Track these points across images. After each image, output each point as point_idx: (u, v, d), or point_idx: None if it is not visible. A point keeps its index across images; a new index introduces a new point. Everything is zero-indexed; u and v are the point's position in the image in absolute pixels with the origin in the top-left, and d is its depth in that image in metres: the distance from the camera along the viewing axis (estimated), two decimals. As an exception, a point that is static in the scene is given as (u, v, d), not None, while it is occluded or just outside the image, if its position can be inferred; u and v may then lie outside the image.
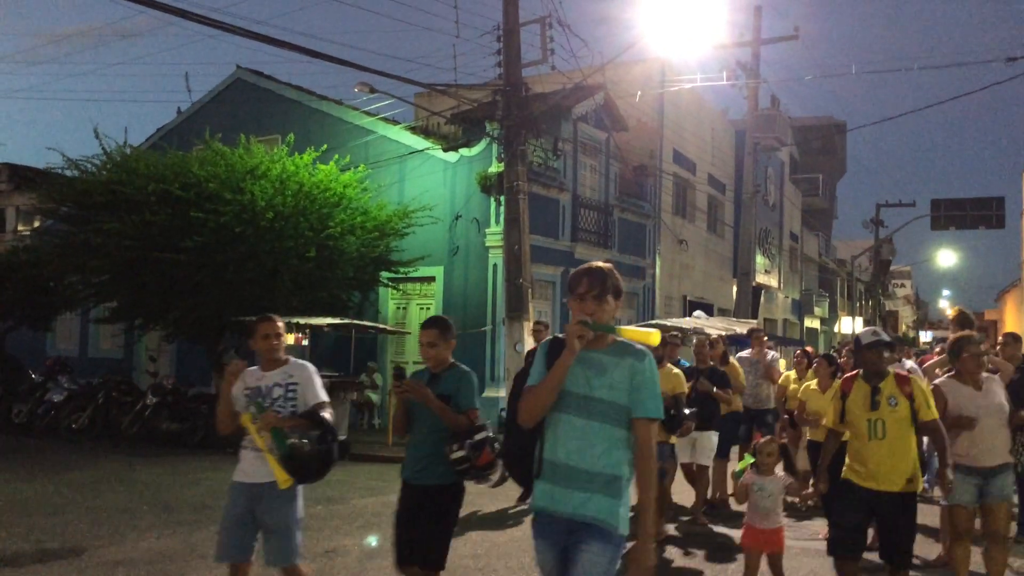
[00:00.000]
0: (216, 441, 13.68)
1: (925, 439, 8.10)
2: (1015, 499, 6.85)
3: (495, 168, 15.60)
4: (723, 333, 12.23)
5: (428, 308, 17.27)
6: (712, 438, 8.55)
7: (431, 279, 17.07)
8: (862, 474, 5.10)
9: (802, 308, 37.02)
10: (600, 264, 3.32)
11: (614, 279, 3.27)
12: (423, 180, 16.95)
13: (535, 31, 14.56)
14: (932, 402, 5.14)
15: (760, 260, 28.55)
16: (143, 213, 13.02)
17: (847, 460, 5.28)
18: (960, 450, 5.53)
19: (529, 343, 13.56)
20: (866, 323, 43.58)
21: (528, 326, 13.86)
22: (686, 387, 7.69)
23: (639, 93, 18.72)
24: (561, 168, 17.83)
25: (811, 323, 39.15)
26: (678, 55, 20.69)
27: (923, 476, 5.51)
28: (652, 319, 19.59)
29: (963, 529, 5.64)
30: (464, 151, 16.85)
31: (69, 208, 14.57)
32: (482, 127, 15.89)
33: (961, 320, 8.10)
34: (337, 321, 13.89)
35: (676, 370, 7.74)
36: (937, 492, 7.64)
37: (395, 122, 18.14)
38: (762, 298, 28.98)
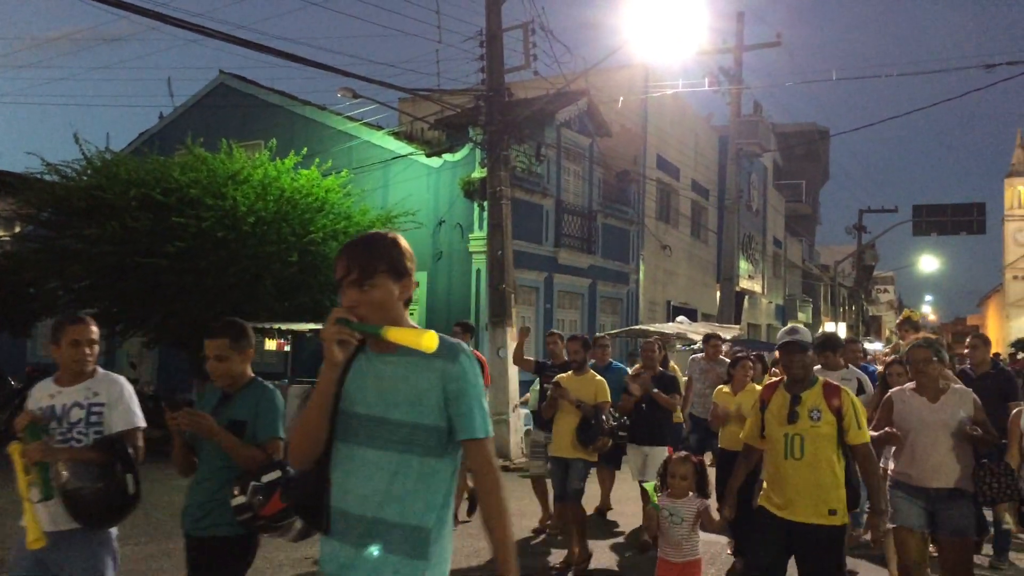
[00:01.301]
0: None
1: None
2: (990, 532, 6.29)
3: (478, 173, 15.61)
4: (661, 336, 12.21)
5: (411, 313, 17.05)
6: (665, 454, 7.41)
7: (414, 284, 17.00)
8: (776, 501, 4.34)
9: (786, 313, 37.19)
10: (373, 233, 2.48)
11: (388, 252, 2.39)
12: (406, 185, 16.94)
13: (518, 36, 14.58)
14: (864, 421, 4.35)
15: (744, 265, 28.67)
16: (124, 218, 12.93)
17: (764, 484, 4.59)
18: (901, 467, 4.96)
19: (512, 348, 13.56)
20: (849, 328, 43.86)
21: (512, 332, 13.86)
22: (608, 395, 7.00)
23: (621, 99, 18.78)
24: (544, 173, 17.86)
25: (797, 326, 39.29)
26: (661, 61, 20.76)
27: (856, 509, 4.95)
28: (636, 324, 19.64)
29: (910, 560, 4.87)
30: (447, 156, 16.85)
31: (49, 213, 14.45)
32: (465, 132, 15.91)
33: (905, 324, 8.08)
34: (319, 327, 13.81)
35: (597, 376, 7.14)
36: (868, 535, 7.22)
37: (378, 127, 18.12)
38: (745, 303, 29.11)
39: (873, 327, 55.55)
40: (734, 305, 21.76)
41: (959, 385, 5.12)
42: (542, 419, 7.65)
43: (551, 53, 20.27)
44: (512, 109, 14.35)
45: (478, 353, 8.09)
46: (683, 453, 5.01)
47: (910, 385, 5.09)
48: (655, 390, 7.63)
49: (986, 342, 7.52)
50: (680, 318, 18.58)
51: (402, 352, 2.31)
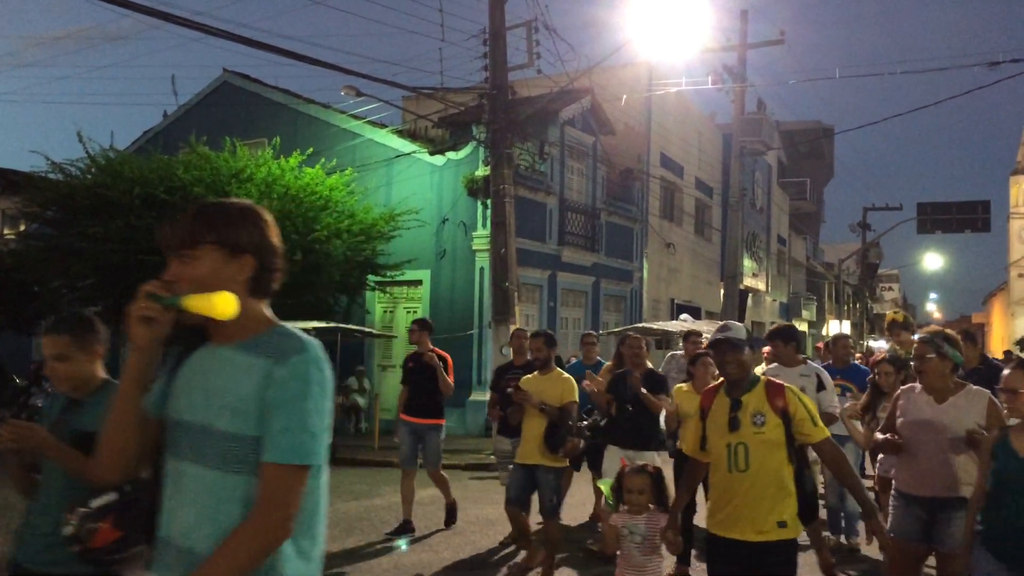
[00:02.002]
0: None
1: (866, 454, 7.01)
2: None
3: (482, 171, 15.61)
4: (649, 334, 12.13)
5: (415, 312, 17.24)
6: (651, 456, 6.84)
7: (418, 283, 17.05)
8: (720, 519, 3.85)
9: (789, 311, 37.16)
10: (219, 201, 2.15)
11: (221, 221, 1.99)
12: (410, 183, 16.95)
13: (521, 35, 14.58)
14: (818, 416, 3.87)
15: (747, 263, 28.63)
16: (128, 217, 12.96)
17: (708, 503, 4.07)
18: (900, 472, 4.59)
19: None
20: (853, 327, 43.78)
21: (514, 329, 13.86)
22: (576, 394, 6.44)
23: (625, 97, 18.77)
24: (548, 171, 17.85)
25: (799, 326, 39.29)
26: (665, 59, 20.73)
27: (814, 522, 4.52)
28: (639, 322, 19.63)
29: (899, 572, 4.50)
30: (451, 154, 16.86)
31: (53, 212, 14.49)
32: (469, 130, 15.91)
33: (894, 327, 7.81)
34: (323, 325, 13.84)
35: (564, 375, 6.63)
36: (865, 543, 6.80)
37: (382, 125, 18.13)
38: (749, 301, 29.08)
39: (877, 325, 55.44)
40: (738, 303, 21.74)
41: (975, 387, 4.51)
42: (507, 425, 7.19)
43: (554, 51, 20.33)
44: (515, 107, 14.34)
45: (441, 351, 8.07)
46: (639, 463, 4.49)
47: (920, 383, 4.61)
48: (643, 391, 6.95)
49: (971, 338, 7.40)
50: (683, 316, 18.56)
51: (239, 346, 1.92)
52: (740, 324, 4.12)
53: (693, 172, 25.71)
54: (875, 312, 53.59)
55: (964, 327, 8.16)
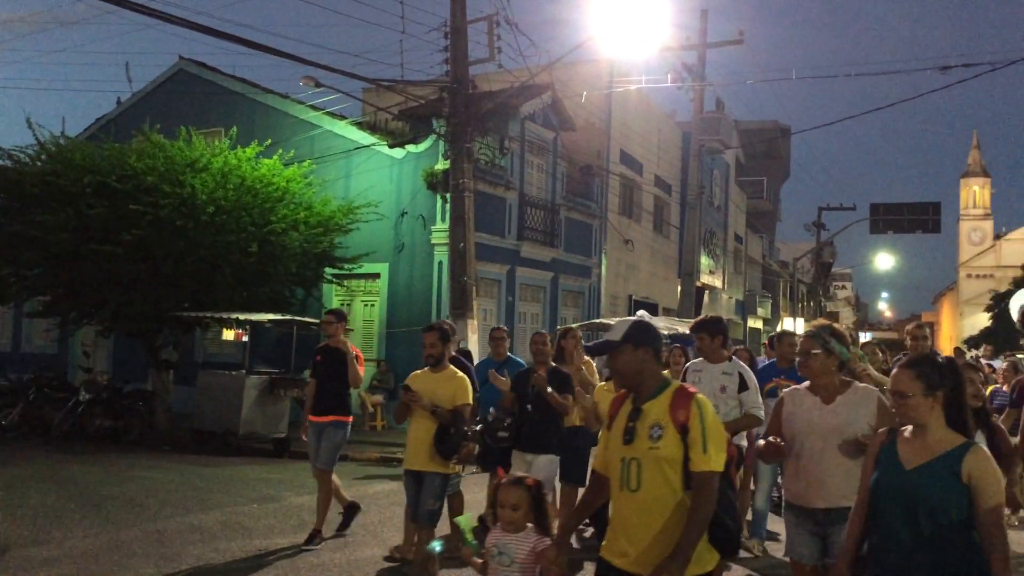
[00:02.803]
0: (151, 439, 13.46)
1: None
2: None
3: (441, 165, 15.56)
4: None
5: (373, 305, 17.16)
6: (550, 463, 6.48)
7: (376, 276, 16.95)
8: (616, 548, 3.31)
9: (745, 309, 37.61)
10: None
11: None
12: (369, 176, 16.84)
13: (482, 29, 14.58)
14: (715, 444, 3.19)
15: (705, 261, 28.92)
16: (79, 205, 12.73)
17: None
18: (787, 482, 4.22)
19: (473, 341, 13.56)
20: (808, 324, 44.44)
21: (472, 324, 13.86)
22: (470, 395, 5.91)
23: (585, 93, 18.83)
24: (508, 166, 17.85)
25: (754, 323, 39.80)
26: (625, 57, 20.81)
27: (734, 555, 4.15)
28: (597, 318, 19.73)
29: None
30: (411, 147, 16.78)
31: (2, 199, 14.18)
32: (429, 124, 15.85)
33: (776, 339, 7.81)
34: (278, 317, 13.72)
35: (458, 373, 5.98)
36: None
37: (341, 117, 17.99)
38: (706, 298, 29.37)
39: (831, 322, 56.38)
40: (694, 300, 21.96)
41: (864, 384, 4.23)
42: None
43: (515, 46, 20.18)
44: (476, 101, 14.32)
45: (354, 347, 7.54)
46: (516, 475, 3.78)
47: (807, 383, 4.22)
48: (549, 389, 6.37)
49: (922, 329, 7.64)
50: (640, 312, 18.52)
51: None
52: (626, 321, 3.46)
53: (652, 169, 25.89)
54: (829, 310, 54.46)
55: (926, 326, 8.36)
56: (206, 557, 6.64)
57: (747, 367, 6.30)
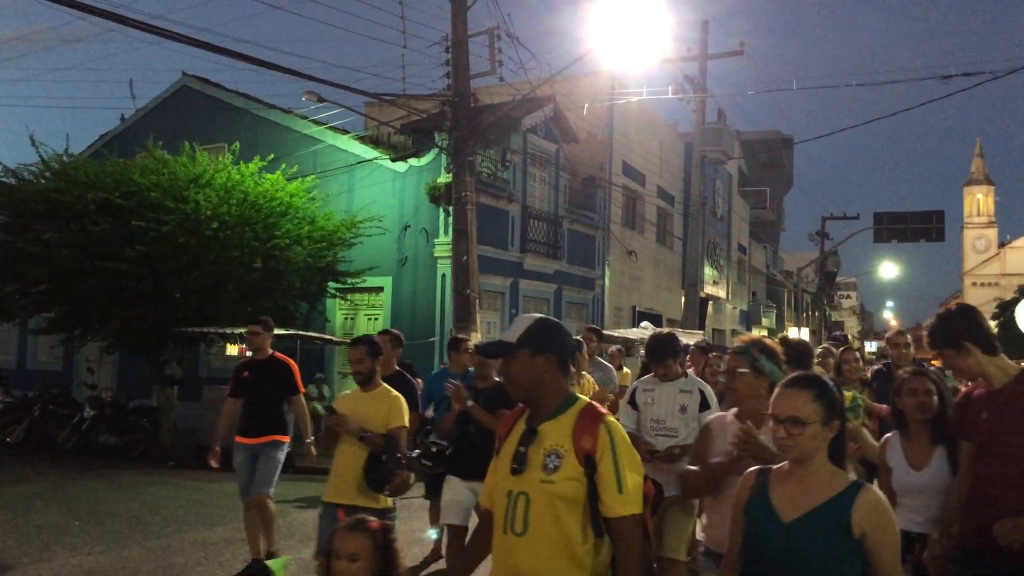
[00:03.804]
0: (156, 455, 13.45)
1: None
2: None
3: (444, 178, 15.59)
4: None
5: (376, 319, 17.16)
6: None
7: (379, 289, 16.96)
8: None
9: (749, 319, 37.57)
10: None
11: None
12: (372, 190, 16.87)
13: (484, 42, 14.61)
14: (636, 477, 2.59)
15: (708, 271, 28.91)
16: (83, 222, 12.75)
17: None
18: (706, 525, 3.67)
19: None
20: (812, 334, 44.39)
21: (476, 337, 13.84)
22: (405, 417, 5.20)
23: (587, 106, 18.88)
24: (510, 179, 17.88)
25: (758, 333, 39.77)
26: (627, 69, 20.91)
27: None
28: (601, 330, 19.69)
29: None
30: (413, 161, 16.82)
31: (6, 216, 14.19)
32: (431, 137, 15.89)
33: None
34: (283, 332, 13.70)
35: (392, 392, 5.25)
36: None
37: (344, 131, 18.04)
38: (710, 309, 29.35)
39: (832, 332, 56.28)
40: (698, 311, 21.93)
41: None
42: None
43: (517, 59, 20.32)
44: (478, 115, 14.35)
45: (285, 357, 7.06)
46: (357, 517, 2.92)
47: (735, 409, 3.65)
48: (470, 403, 5.67)
49: (902, 335, 7.59)
50: (644, 323, 18.69)
51: None
52: (534, 316, 2.85)
53: (655, 181, 25.92)
54: (833, 320, 54.37)
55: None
56: (211, 573, 6.62)
57: (705, 383, 5.51)
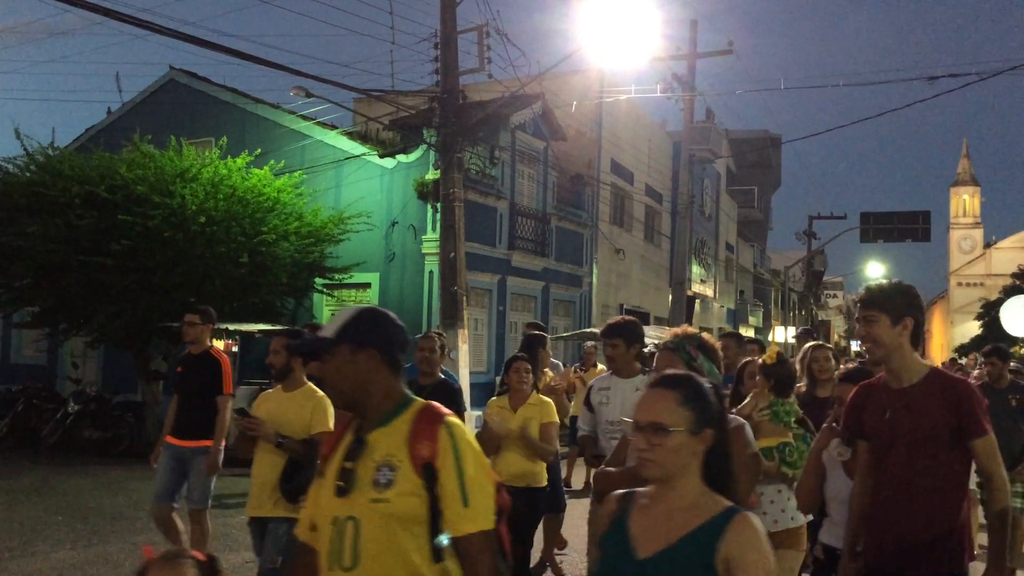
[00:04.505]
0: (140, 450, 13.39)
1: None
2: None
3: (432, 175, 15.57)
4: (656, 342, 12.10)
5: (363, 315, 17.15)
6: None
7: (366, 285, 16.93)
8: None
9: (737, 317, 37.70)
10: None
11: None
12: (360, 186, 16.84)
13: (473, 39, 14.59)
14: (484, 487, 2.23)
15: (696, 270, 28.99)
16: (68, 216, 12.68)
17: None
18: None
19: (464, 350, 13.57)
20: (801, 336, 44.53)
21: (463, 334, 13.84)
22: (330, 421, 4.50)
23: (575, 103, 18.89)
24: (499, 176, 17.88)
25: (746, 332, 39.89)
26: (615, 66, 20.93)
27: None
28: (588, 327, 19.75)
29: None
30: (401, 157, 16.79)
31: (-10, 209, 14.12)
32: (419, 134, 15.87)
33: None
34: (268, 327, 13.67)
35: (317, 392, 4.63)
36: None
37: (332, 127, 17.99)
38: (697, 307, 29.43)
39: (822, 331, 56.55)
40: (685, 309, 21.99)
41: (730, 415, 3.03)
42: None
43: (506, 56, 20.28)
44: (466, 111, 14.34)
45: (220, 353, 6.57)
46: (175, 548, 2.54)
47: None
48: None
49: (1001, 354, 7.25)
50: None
51: None
52: (360, 308, 2.46)
53: (643, 179, 25.96)
54: (820, 319, 54.64)
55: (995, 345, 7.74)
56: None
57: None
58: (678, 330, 3.29)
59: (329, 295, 16.48)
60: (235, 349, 14.43)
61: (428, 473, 2.17)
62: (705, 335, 3.22)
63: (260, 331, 13.53)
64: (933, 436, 3.06)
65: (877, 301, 3.18)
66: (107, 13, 9.70)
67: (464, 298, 13.98)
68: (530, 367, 5.60)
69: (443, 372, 6.02)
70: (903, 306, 3.15)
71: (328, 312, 17.49)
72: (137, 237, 12.65)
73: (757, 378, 4.58)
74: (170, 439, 6.24)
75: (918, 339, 3.18)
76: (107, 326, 13.50)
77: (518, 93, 15.72)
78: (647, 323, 21.29)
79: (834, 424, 3.73)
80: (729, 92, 42.09)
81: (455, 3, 13.85)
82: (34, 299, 14.16)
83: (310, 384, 4.72)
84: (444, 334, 6.00)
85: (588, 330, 17.70)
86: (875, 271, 57.85)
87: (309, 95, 15.20)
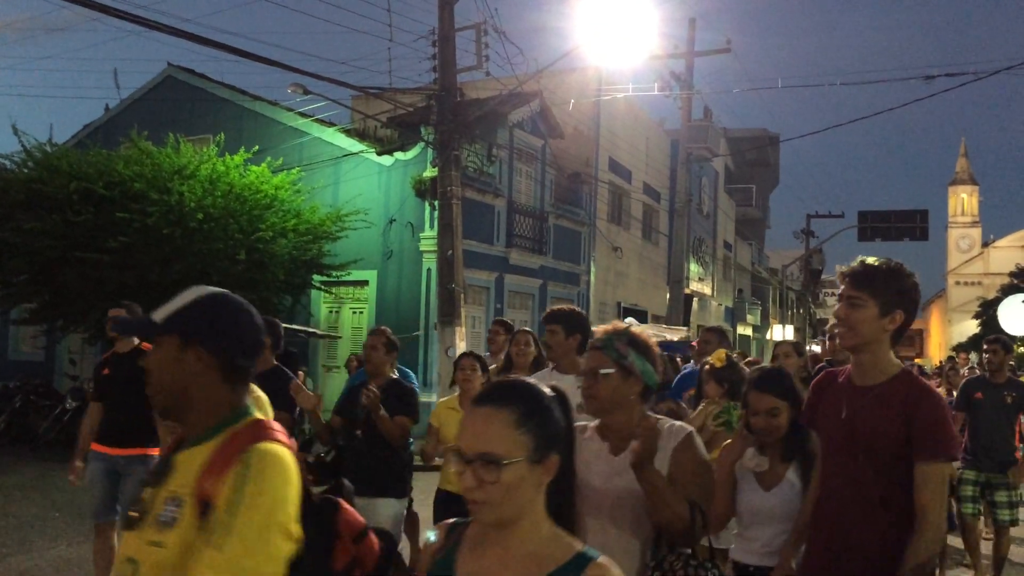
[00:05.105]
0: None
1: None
2: None
3: (430, 172, 15.59)
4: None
5: (361, 312, 17.15)
6: (389, 507, 5.01)
7: (364, 283, 16.95)
8: None
9: (735, 316, 37.73)
10: None
11: None
12: (357, 183, 16.85)
13: (470, 37, 14.61)
14: (261, 538, 1.66)
15: (694, 268, 29.01)
16: (65, 212, 12.68)
17: None
18: None
19: (461, 347, 13.57)
20: (796, 331, 44.66)
21: (460, 331, 13.86)
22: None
23: (573, 101, 18.92)
24: (496, 174, 17.89)
25: (743, 331, 39.94)
26: (613, 65, 20.93)
27: None
28: (509, 322, 19.74)
29: None
30: (399, 155, 16.80)
31: (-13, 206, 14.11)
32: (417, 131, 15.89)
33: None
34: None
35: (255, 392, 3.88)
36: None
37: (330, 124, 17.99)
38: (695, 305, 29.45)
39: (820, 329, 56.62)
40: (683, 307, 22.02)
41: (676, 422, 2.64)
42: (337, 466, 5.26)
43: (503, 54, 20.31)
44: (464, 109, 14.36)
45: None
46: None
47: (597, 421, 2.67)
48: (382, 413, 4.86)
49: (1004, 344, 6.74)
50: (629, 320, 18.67)
51: None
52: (202, 291, 2.02)
53: (641, 177, 25.98)
54: (818, 317, 54.68)
55: (913, 333, 7.54)
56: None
57: None
58: (608, 326, 2.75)
59: (327, 292, 16.49)
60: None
61: (205, 514, 1.68)
62: (639, 331, 2.70)
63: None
64: (892, 445, 2.67)
65: (869, 283, 2.74)
66: (104, 10, 9.71)
67: (462, 296, 14.00)
68: (477, 364, 5.36)
69: (400, 370, 5.75)
70: (897, 295, 2.73)
71: (326, 310, 17.51)
72: (134, 233, 12.65)
73: (706, 385, 4.31)
74: (100, 448, 5.62)
75: (902, 335, 2.79)
76: (104, 322, 13.49)
77: (516, 91, 15.74)
78: (645, 321, 21.31)
79: (746, 432, 3.39)
80: (727, 91, 42.16)
81: (453, 1, 13.86)
82: (31, 295, 14.16)
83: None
84: (390, 331, 5.48)
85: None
86: (873, 270, 57.86)
87: (307, 92, 15.20)
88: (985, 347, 6.84)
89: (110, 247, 12.47)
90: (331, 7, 14.76)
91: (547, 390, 1.70)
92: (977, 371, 10.19)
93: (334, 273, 15.49)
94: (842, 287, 2.81)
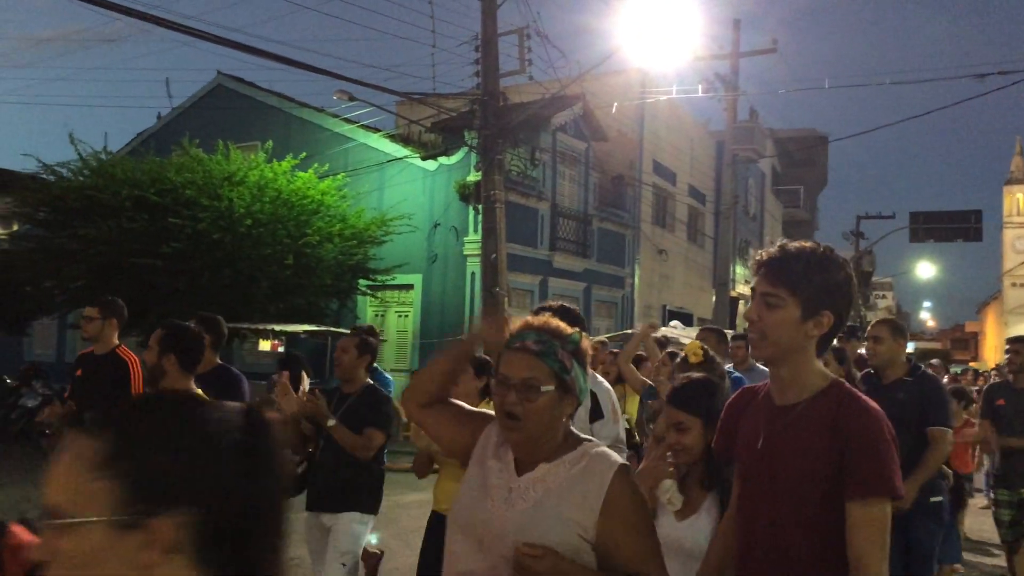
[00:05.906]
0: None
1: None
2: None
3: (473, 177, 15.68)
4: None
5: (406, 316, 17.30)
6: (356, 526, 4.60)
7: (409, 287, 17.10)
8: None
9: (782, 319, 37.24)
10: None
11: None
12: (402, 188, 17.02)
13: (513, 41, 14.66)
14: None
15: (740, 271, 28.70)
16: (119, 219, 13.01)
17: None
18: None
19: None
20: (840, 337, 43.81)
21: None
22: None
23: (616, 104, 18.86)
24: (540, 177, 17.93)
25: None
26: (657, 66, 20.81)
27: None
28: (630, 328, 19.68)
29: None
30: (443, 159, 16.93)
31: (45, 213, 14.53)
32: (461, 136, 15.99)
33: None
34: (313, 328, 13.90)
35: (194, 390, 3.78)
36: None
37: (375, 130, 18.20)
38: (741, 308, 29.14)
39: (855, 332, 55.60)
40: (729, 310, 21.81)
41: (602, 450, 2.11)
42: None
43: (546, 58, 20.43)
44: (507, 113, 14.42)
45: (130, 353, 5.46)
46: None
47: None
48: (331, 422, 4.45)
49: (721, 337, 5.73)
50: (674, 323, 18.61)
51: None
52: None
53: (686, 179, 25.81)
54: (869, 320, 53.76)
55: (967, 336, 7.02)
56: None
57: (603, 383, 4.09)
58: (539, 319, 2.11)
59: (373, 296, 16.68)
60: (281, 349, 14.68)
61: None
62: (669, 332, 2.22)
63: (305, 331, 13.75)
64: (820, 482, 2.07)
65: (787, 277, 2.11)
66: (156, 21, 9.96)
67: (505, 299, 14.05)
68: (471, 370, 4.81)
69: (377, 376, 5.36)
70: (824, 293, 2.12)
71: (371, 313, 17.70)
72: (186, 239, 12.94)
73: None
74: None
75: (830, 342, 2.21)
76: (157, 327, 13.81)
77: (559, 94, 15.75)
78: (690, 324, 21.16)
79: (668, 456, 2.90)
80: (773, 91, 41.68)
81: (496, 6, 13.93)
82: (87, 300, 14.48)
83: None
84: (374, 333, 5.14)
85: (630, 331, 17.64)
86: (926, 271, 56.81)
87: (352, 99, 15.41)
88: (1008, 347, 6.08)
89: (163, 253, 12.76)
90: (376, 14, 14.96)
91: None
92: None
93: (379, 277, 15.66)
94: (754, 280, 2.19)
